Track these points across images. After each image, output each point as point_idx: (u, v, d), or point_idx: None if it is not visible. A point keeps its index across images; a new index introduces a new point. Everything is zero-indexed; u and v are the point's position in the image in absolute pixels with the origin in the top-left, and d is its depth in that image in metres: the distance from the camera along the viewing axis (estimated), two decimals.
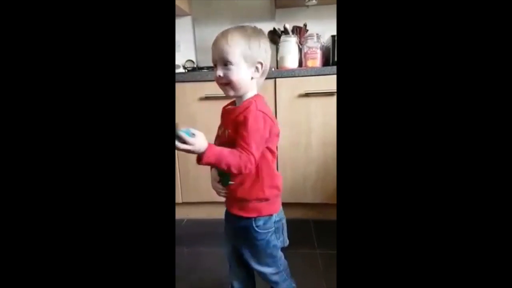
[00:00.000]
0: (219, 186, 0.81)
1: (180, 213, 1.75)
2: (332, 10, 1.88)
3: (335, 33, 1.64)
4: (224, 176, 0.78)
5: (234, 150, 0.69)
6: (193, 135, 0.66)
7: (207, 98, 1.56)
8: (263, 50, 0.74)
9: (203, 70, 1.80)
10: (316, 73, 1.49)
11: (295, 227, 1.55)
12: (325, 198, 1.57)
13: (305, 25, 1.82)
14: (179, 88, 1.56)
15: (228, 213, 0.84)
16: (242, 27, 0.75)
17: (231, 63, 0.71)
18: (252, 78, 0.75)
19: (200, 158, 0.68)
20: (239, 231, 0.81)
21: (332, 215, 1.58)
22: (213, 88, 1.56)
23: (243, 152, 0.69)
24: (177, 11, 1.89)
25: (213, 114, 1.63)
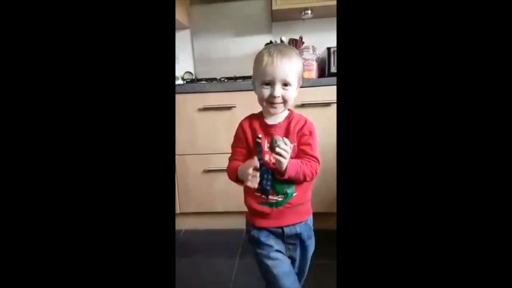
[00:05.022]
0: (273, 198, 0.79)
1: (178, 224, 1.74)
2: (327, 23, 1.93)
3: (330, 45, 1.68)
4: (289, 189, 0.78)
5: (301, 160, 0.76)
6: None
7: (205, 109, 1.58)
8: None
9: (201, 82, 1.83)
10: (312, 84, 1.52)
11: None
12: (324, 207, 1.58)
13: (301, 38, 1.86)
14: (178, 99, 1.58)
15: (270, 231, 0.82)
16: (288, 45, 0.80)
17: (290, 84, 0.75)
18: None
19: (282, 172, 0.71)
20: (294, 239, 0.82)
21: (331, 224, 1.58)
22: (211, 99, 1.59)
23: (311, 160, 0.77)
24: (176, 25, 1.93)
25: (212, 124, 1.66)
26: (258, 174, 0.72)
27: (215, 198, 1.66)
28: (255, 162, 0.72)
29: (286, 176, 0.72)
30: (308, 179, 0.76)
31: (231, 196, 1.61)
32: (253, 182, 0.71)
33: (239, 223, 1.73)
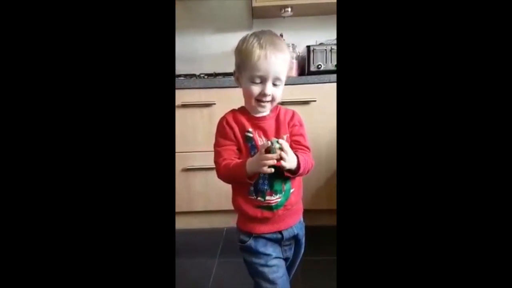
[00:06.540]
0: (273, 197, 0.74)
1: None
2: (307, 21, 1.94)
3: (310, 43, 1.69)
4: (286, 185, 0.73)
5: (301, 153, 0.71)
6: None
7: (184, 105, 1.55)
8: None
9: (179, 78, 1.79)
10: (291, 82, 1.52)
11: None
12: (304, 204, 1.59)
13: (281, 35, 1.87)
14: None
15: (267, 237, 0.76)
16: (275, 34, 0.72)
17: (281, 81, 0.70)
18: None
19: (294, 170, 0.68)
20: (291, 240, 0.80)
21: (311, 221, 1.59)
22: (190, 96, 1.56)
23: (306, 151, 0.74)
24: None
25: (189, 121, 1.62)
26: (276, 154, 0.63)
27: (194, 197, 1.63)
28: (266, 143, 0.64)
29: (298, 173, 0.68)
30: (309, 172, 0.73)
31: (210, 195, 1.58)
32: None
33: (219, 222, 1.72)
